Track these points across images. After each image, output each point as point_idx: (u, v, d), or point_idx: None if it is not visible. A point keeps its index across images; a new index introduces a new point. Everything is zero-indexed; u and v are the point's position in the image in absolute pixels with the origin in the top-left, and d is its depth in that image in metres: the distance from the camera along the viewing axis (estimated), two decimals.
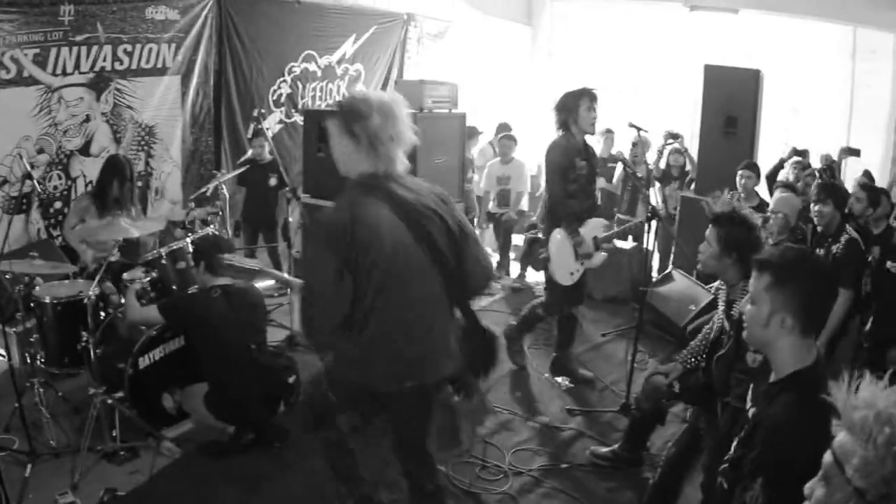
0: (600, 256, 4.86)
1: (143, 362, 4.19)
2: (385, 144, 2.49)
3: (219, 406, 4.01)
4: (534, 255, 5.30)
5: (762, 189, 6.19)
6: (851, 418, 1.39)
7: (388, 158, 2.51)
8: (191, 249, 4.47)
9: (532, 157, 7.87)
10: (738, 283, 3.12)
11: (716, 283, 5.03)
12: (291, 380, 4.34)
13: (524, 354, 5.31)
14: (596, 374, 5.06)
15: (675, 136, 6.75)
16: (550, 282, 4.84)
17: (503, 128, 8.48)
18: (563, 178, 4.59)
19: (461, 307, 2.70)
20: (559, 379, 4.95)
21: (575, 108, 4.60)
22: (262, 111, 6.85)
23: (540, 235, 5.04)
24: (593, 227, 4.83)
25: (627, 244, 6.89)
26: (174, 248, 4.73)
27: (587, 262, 4.80)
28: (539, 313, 5.04)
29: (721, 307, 3.30)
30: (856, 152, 6.59)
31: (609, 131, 7.81)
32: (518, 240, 7.69)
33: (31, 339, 4.33)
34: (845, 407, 1.41)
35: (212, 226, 5.31)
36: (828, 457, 1.46)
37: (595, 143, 6.45)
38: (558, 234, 4.67)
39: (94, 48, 5.57)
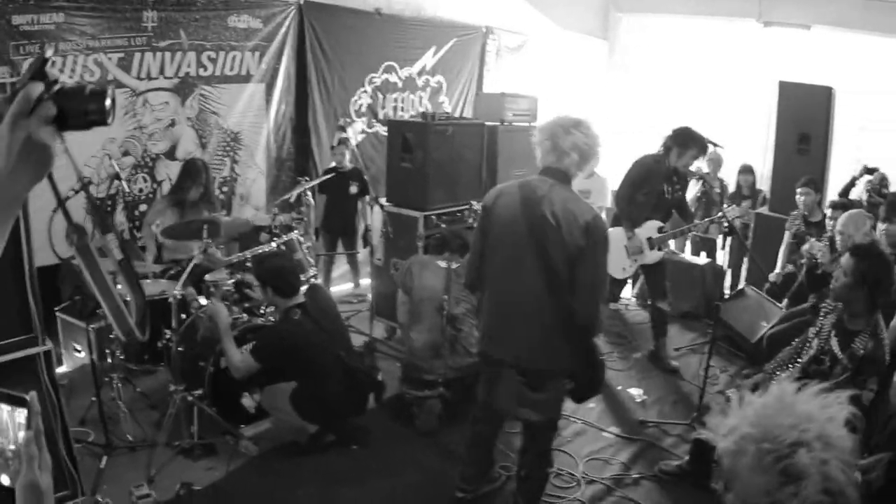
0: (656, 254, 5.34)
1: (225, 362, 4.11)
2: None
3: (306, 405, 3.91)
4: None
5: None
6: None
7: None
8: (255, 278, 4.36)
9: (609, 171, 7.53)
10: (862, 316, 3.21)
11: (802, 304, 5.09)
12: (380, 377, 4.32)
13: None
14: (669, 388, 5.12)
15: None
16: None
17: None
18: (632, 187, 5.19)
19: None
20: (632, 391, 5.01)
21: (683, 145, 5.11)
22: (347, 120, 6.80)
23: None
24: (648, 229, 5.28)
25: (701, 260, 6.86)
26: (258, 252, 4.73)
27: (640, 258, 5.31)
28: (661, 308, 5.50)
29: (826, 329, 3.34)
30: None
31: None
32: None
33: (111, 336, 4.31)
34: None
35: (296, 231, 5.22)
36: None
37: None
38: (612, 232, 4.90)
39: (178, 54, 5.60)
